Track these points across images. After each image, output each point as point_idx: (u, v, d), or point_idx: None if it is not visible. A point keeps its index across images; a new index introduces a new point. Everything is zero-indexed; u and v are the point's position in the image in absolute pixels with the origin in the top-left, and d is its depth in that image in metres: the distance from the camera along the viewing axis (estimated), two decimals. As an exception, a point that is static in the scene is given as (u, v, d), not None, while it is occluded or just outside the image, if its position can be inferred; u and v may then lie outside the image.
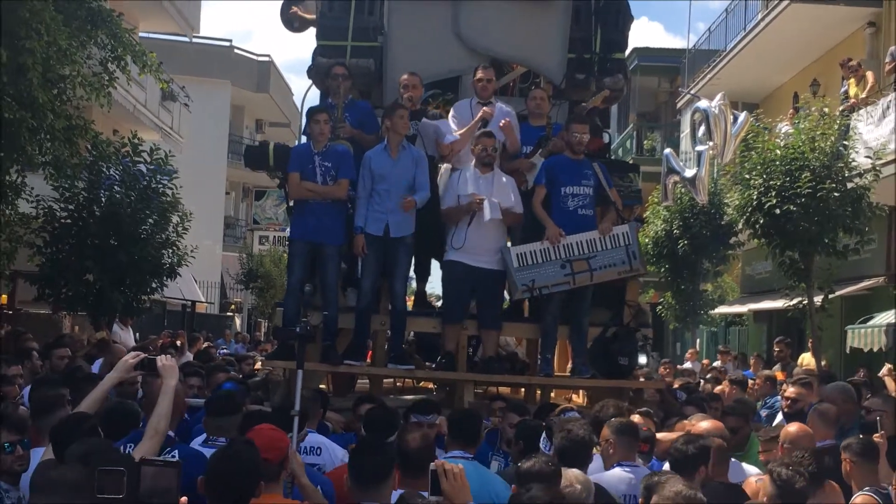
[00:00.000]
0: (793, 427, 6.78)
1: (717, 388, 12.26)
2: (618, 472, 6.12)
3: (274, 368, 10.27)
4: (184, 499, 3.52)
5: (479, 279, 9.41)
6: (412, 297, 11.68)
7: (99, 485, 3.38)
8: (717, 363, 20.44)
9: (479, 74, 9.96)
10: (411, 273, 11.07)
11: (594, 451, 6.28)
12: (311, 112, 9.37)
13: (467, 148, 9.56)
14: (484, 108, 9.73)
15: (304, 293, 9.30)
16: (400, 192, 9.22)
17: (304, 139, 10.09)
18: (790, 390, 9.19)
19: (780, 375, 13.64)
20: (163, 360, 5.71)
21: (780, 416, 9.81)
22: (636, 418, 6.98)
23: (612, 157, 11.41)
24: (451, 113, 10.06)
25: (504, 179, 9.45)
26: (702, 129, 11.45)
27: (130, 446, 5.67)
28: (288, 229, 10.52)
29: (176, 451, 5.91)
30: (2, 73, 10.90)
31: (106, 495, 3.37)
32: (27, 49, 11.21)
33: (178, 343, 17.17)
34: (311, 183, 9.17)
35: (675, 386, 11.89)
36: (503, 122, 9.68)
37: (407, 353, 10.51)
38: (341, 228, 9.32)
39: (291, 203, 9.74)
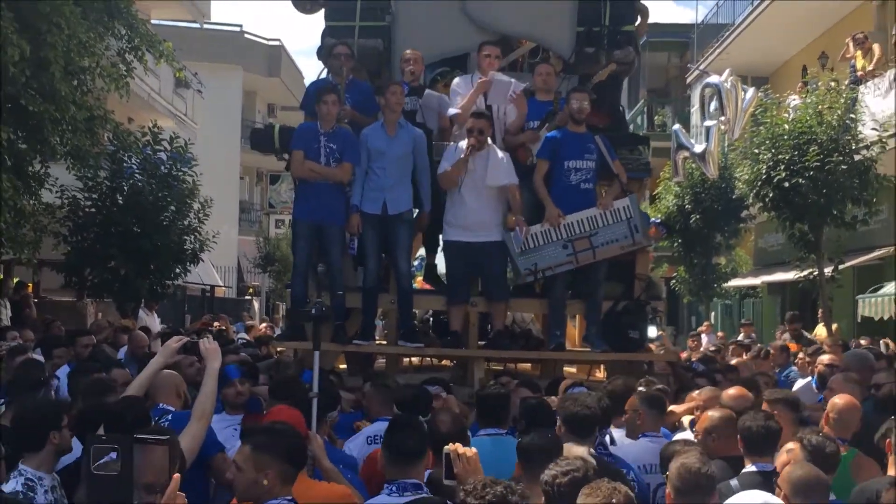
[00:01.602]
0: (840, 399, 6.56)
1: (738, 360, 12.23)
2: (643, 442, 6.18)
3: (285, 349, 10.29)
4: (176, 475, 3.50)
5: (478, 254, 9.34)
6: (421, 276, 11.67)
7: (94, 460, 3.36)
8: (741, 336, 20.54)
9: (484, 51, 9.83)
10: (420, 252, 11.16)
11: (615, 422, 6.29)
12: (320, 91, 9.26)
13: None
14: (481, 78, 9.60)
15: (316, 273, 9.23)
16: (397, 169, 9.19)
17: (300, 121, 10.09)
18: (826, 357, 9.40)
19: (793, 347, 13.86)
20: (205, 344, 5.82)
21: (798, 384, 10.06)
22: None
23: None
24: (453, 87, 9.96)
25: (500, 155, 9.31)
26: (713, 103, 11.58)
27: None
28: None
29: (170, 416, 6.08)
30: (25, 66, 11.13)
31: (100, 471, 3.35)
32: (49, 43, 11.42)
33: (217, 326, 17.17)
34: (314, 163, 9.11)
35: (694, 358, 11.87)
36: (515, 93, 9.59)
37: (421, 331, 10.59)
38: (344, 208, 9.27)
39: (297, 182, 9.66)
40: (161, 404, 6.22)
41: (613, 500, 3.84)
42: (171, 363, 6.53)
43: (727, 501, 4.68)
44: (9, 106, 11.47)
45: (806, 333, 16.45)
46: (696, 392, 7.35)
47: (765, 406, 6.25)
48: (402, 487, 4.69)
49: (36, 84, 11.58)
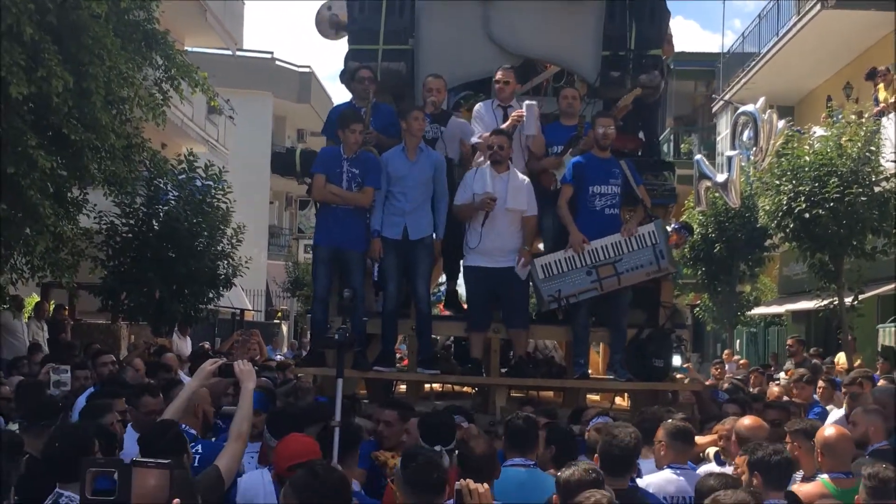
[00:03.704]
0: (830, 431, 6.36)
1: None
2: (667, 474, 6.09)
3: (304, 375, 10.05)
4: (176, 500, 3.38)
5: (499, 281, 9.21)
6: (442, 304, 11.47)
7: (91, 485, 3.26)
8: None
9: (498, 76, 9.79)
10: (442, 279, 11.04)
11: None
12: (347, 119, 9.14)
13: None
14: (516, 111, 9.50)
15: (341, 297, 8.76)
16: (418, 193, 9.11)
17: (324, 140, 10.05)
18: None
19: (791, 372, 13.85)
20: (240, 366, 5.83)
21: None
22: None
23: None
24: (474, 114, 9.86)
25: (520, 179, 9.23)
26: (747, 132, 11.69)
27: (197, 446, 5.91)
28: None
29: (199, 445, 6.02)
30: (68, 97, 11.46)
31: (97, 497, 3.26)
32: (91, 74, 11.70)
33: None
34: (335, 187, 9.01)
35: (724, 388, 11.50)
36: (531, 109, 9.47)
37: (443, 357, 10.57)
38: (365, 234, 9.17)
39: (318, 206, 9.55)
40: (183, 425, 6.03)
41: None
42: (208, 385, 6.54)
43: None
44: (49, 134, 11.78)
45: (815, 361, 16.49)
46: (721, 423, 7.20)
47: (787, 438, 6.25)
48: None
49: (77, 114, 11.77)
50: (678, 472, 6.09)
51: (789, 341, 17.04)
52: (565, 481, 4.74)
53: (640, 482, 5.87)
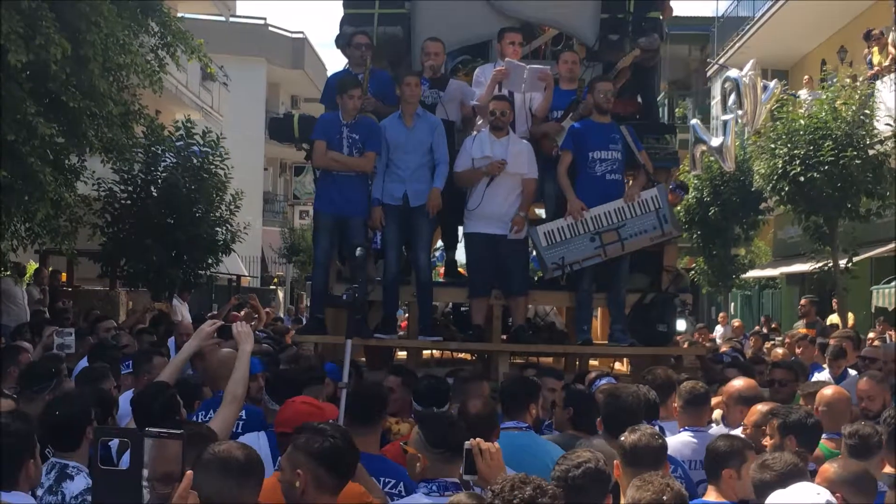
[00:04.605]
0: (829, 391, 6.57)
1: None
2: (684, 436, 6.07)
3: (304, 343, 9.68)
4: (189, 472, 3.34)
5: (500, 247, 9.13)
6: (443, 268, 11.38)
7: (102, 455, 3.20)
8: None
9: (507, 38, 9.63)
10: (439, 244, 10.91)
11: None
12: (345, 85, 9.03)
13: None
14: (497, 68, 9.35)
15: (354, 257, 8.33)
16: (417, 159, 9.03)
17: (322, 108, 9.88)
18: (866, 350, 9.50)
19: (804, 331, 14.06)
20: (238, 328, 5.74)
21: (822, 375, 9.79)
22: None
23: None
24: (475, 77, 9.77)
25: (520, 143, 9.16)
26: (732, 97, 11.78)
27: (210, 413, 5.84)
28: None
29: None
30: (66, 64, 11.47)
31: (109, 466, 3.20)
32: (88, 41, 11.71)
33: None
34: (337, 153, 8.94)
35: (723, 349, 11.64)
36: (541, 73, 9.33)
37: (442, 324, 10.48)
38: (366, 200, 9.11)
39: (318, 174, 9.47)
40: (222, 391, 5.85)
41: (664, 497, 3.74)
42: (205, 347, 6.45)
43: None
44: (47, 101, 11.80)
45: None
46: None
47: (802, 401, 6.37)
48: (443, 487, 4.44)
49: (75, 81, 11.75)
50: (694, 434, 6.08)
51: (802, 301, 17.18)
52: (632, 446, 4.61)
53: None
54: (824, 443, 5.92)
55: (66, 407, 5.10)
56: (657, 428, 5.38)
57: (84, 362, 8.24)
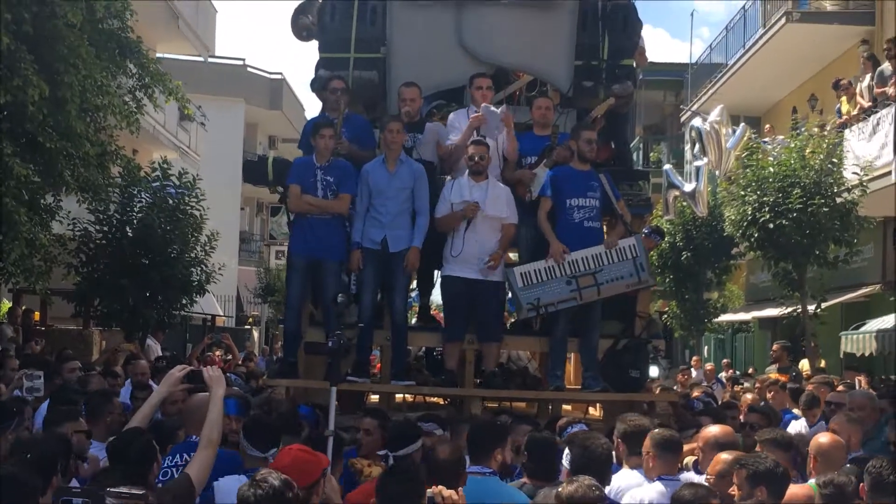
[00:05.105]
0: (824, 438, 6.64)
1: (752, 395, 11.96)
2: (658, 485, 5.96)
3: (276, 387, 9.59)
4: None
5: (477, 292, 9.14)
6: (416, 309, 11.36)
7: None
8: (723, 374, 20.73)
9: (478, 82, 9.71)
10: (414, 285, 10.84)
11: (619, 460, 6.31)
12: (317, 126, 9.13)
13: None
14: (475, 114, 9.39)
15: (336, 303, 8.41)
16: (397, 206, 9.04)
17: (298, 154, 9.92)
18: (831, 395, 9.52)
19: (775, 376, 14.18)
20: (209, 372, 5.75)
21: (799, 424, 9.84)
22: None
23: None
24: (449, 122, 9.80)
25: (499, 188, 9.20)
26: (696, 146, 12.01)
27: (185, 457, 5.82)
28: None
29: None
30: (43, 105, 11.53)
31: None
32: (66, 83, 11.78)
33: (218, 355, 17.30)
34: (311, 196, 8.97)
35: (694, 395, 11.68)
36: (503, 115, 9.33)
37: (415, 367, 10.49)
38: (341, 244, 9.10)
39: (293, 217, 9.45)
40: (194, 436, 5.95)
41: None
42: (175, 392, 6.43)
43: None
44: (23, 141, 11.84)
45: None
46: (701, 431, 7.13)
47: (759, 447, 6.30)
48: None
49: (52, 122, 11.79)
50: (668, 483, 5.96)
51: (774, 346, 17.28)
52: (569, 497, 4.66)
53: (633, 494, 5.92)
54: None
55: (29, 455, 5.08)
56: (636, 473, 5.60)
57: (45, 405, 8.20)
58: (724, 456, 5.92)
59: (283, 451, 5.34)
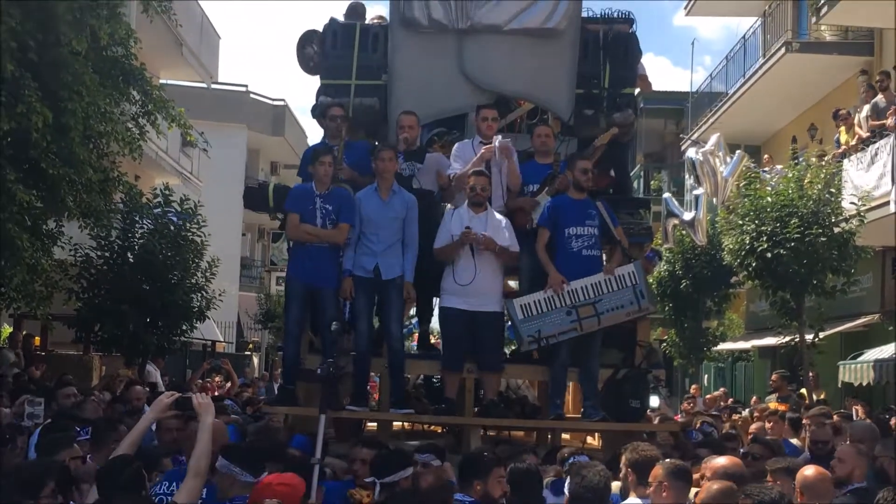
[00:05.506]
0: (809, 471, 6.56)
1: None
2: None
3: (274, 414, 9.69)
4: None
5: (476, 323, 9.09)
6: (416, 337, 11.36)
7: None
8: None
9: (485, 113, 9.70)
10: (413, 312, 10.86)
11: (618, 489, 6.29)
12: (316, 154, 9.12)
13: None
14: (485, 146, 9.40)
15: (330, 331, 8.56)
16: (390, 236, 8.98)
17: (299, 181, 9.91)
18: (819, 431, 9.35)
19: (775, 405, 14.21)
20: (198, 399, 5.76)
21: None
22: None
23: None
24: (454, 152, 9.77)
25: (498, 218, 9.16)
26: (692, 177, 12.04)
27: (174, 485, 5.83)
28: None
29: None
30: (47, 132, 11.61)
31: None
32: (69, 110, 11.83)
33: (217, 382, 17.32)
34: (310, 226, 8.92)
35: (696, 425, 11.54)
36: (502, 144, 9.33)
37: (414, 395, 10.45)
38: (338, 272, 9.05)
39: (291, 244, 9.45)
40: (183, 461, 6.00)
41: None
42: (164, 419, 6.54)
43: None
44: (26, 167, 11.90)
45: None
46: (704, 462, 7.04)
47: (769, 477, 6.32)
48: None
49: (56, 148, 11.82)
50: None
51: (774, 376, 17.27)
52: None
53: None
54: None
55: (9, 477, 5.18)
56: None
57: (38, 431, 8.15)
58: (715, 486, 5.82)
59: (265, 480, 5.39)
